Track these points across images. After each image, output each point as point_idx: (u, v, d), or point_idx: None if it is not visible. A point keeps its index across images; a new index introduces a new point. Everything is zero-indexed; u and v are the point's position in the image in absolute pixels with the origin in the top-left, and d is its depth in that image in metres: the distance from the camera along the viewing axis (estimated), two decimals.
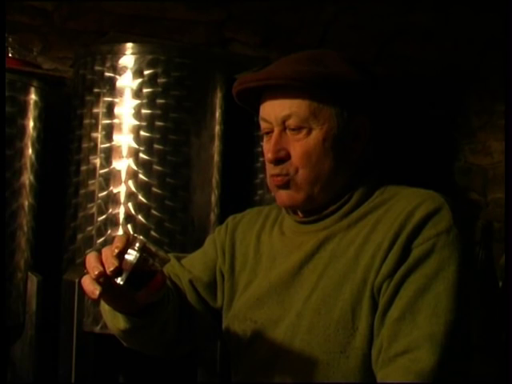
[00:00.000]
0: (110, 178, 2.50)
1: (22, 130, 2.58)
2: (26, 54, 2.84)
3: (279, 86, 1.33)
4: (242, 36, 3.22)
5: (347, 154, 1.36)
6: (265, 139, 1.39)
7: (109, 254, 1.13)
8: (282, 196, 1.36)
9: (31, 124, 2.61)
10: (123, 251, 1.14)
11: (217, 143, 2.67)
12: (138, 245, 1.15)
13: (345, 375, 1.25)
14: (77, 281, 2.48)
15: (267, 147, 1.36)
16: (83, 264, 1.18)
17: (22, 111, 2.58)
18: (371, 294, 1.25)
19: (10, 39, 2.78)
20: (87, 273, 1.15)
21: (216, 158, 2.66)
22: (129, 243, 1.14)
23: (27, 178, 2.59)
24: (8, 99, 2.52)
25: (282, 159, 1.33)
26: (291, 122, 1.32)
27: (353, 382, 1.26)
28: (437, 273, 1.23)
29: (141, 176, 2.48)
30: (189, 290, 1.48)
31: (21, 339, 2.57)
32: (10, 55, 2.74)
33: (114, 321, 1.32)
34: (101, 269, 1.13)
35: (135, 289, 1.17)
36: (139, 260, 1.14)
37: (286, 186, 1.34)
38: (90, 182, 2.54)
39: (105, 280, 1.14)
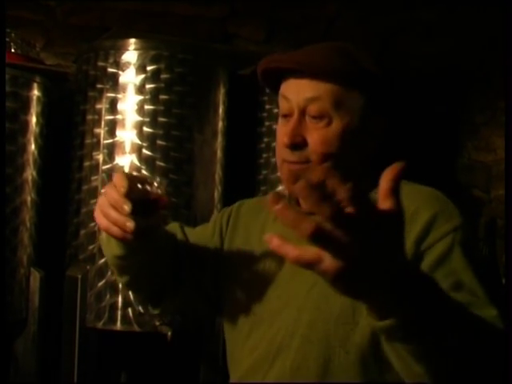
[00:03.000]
0: (113, 174, 2.49)
1: (25, 125, 2.57)
2: (29, 49, 2.83)
3: (308, 71, 1.31)
4: (245, 32, 3.21)
5: (361, 150, 1.35)
6: (280, 121, 1.37)
7: (117, 197, 1.20)
8: (292, 187, 1.34)
9: (34, 120, 2.60)
10: (128, 191, 1.20)
11: (220, 139, 2.66)
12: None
13: (345, 370, 1.25)
14: (80, 276, 2.48)
15: (283, 130, 1.34)
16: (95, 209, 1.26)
17: (25, 107, 2.57)
18: None
19: (13, 35, 2.77)
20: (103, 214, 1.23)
21: (219, 154, 2.65)
22: (129, 181, 1.22)
23: (30, 173, 2.59)
24: (11, 95, 2.52)
25: (297, 145, 1.31)
26: (313, 108, 1.31)
27: (354, 382, 1.25)
28: (465, 265, 1.21)
29: (144, 172, 2.47)
30: (182, 251, 1.49)
31: (23, 335, 2.57)
32: (12, 51, 2.73)
33: (109, 247, 1.36)
34: (117, 213, 1.20)
35: (144, 216, 1.23)
36: (141, 191, 1.23)
37: (299, 174, 1.32)
38: (93, 177, 2.54)
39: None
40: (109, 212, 1.22)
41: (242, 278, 1.44)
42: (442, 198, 1.29)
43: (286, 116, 1.35)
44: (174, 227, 1.54)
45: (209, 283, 1.49)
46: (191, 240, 1.52)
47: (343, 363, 1.25)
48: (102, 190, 1.24)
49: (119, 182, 1.21)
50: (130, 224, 1.20)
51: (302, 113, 1.32)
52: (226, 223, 1.52)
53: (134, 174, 1.26)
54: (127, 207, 1.19)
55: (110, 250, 1.36)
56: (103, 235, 1.36)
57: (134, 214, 1.20)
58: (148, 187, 1.23)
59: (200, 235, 1.53)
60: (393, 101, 1.41)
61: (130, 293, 1.50)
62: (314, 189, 0.82)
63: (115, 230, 1.22)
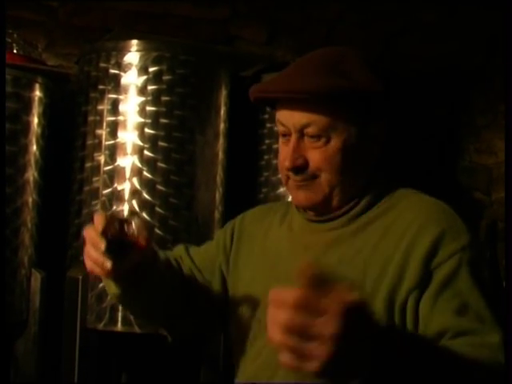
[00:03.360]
0: (115, 175, 2.50)
1: (27, 126, 2.57)
2: (31, 50, 2.83)
3: (300, 98, 1.32)
4: (247, 33, 3.21)
5: (365, 158, 1.36)
6: (281, 140, 1.38)
7: (93, 235, 1.26)
8: (300, 196, 1.36)
9: (36, 120, 2.60)
10: (104, 230, 1.25)
11: (221, 141, 2.66)
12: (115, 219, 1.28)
13: None
14: (80, 277, 2.48)
15: (284, 152, 1.35)
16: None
17: (27, 107, 2.57)
18: (383, 306, 1.23)
19: (15, 35, 2.77)
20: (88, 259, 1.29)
21: (221, 155, 2.65)
22: (107, 221, 1.26)
23: (31, 174, 2.59)
24: (13, 95, 2.52)
25: (299, 167, 1.32)
26: (310, 130, 1.31)
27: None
28: (472, 285, 1.22)
29: (145, 173, 2.47)
30: (189, 277, 1.51)
31: (24, 336, 2.56)
32: (14, 51, 2.73)
33: (108, 286, 1.42)
34: (94, 251, 1.27)
35: (120, 256, 1.28)
36: (116, 232, 1.26)
37: (306, 187, 1.34)
38: (95, 179, 2.54)
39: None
40: (89, 251, 1.28)
41: (246, 286, 1.44)
42: (449, 213, 1.30)
43: (285, 135, 1.36)
44: (179, 251, 1.57)
45: (218, 300, 1.50)
46: (197, 261, 1.53)
47: None
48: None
49: (97, 222, 1.26)
50: (107, 263, 1.26)
51: (300, 135, 1.33)
52: (230, 239, 1.53)
53: (115, 215, 1.34)
54: (102, 245, 1.24)
55: (109, 288, 1.42)
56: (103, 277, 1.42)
57: (112, 252, 1.25)
58: (126, 228, 1.27)
59: (205, 255, 1.55)
60: (390, 106, 1.40)
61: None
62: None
63: (97, 269, 1.29)
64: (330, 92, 1.29)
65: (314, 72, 1.33)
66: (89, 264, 1.30)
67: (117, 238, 1.26)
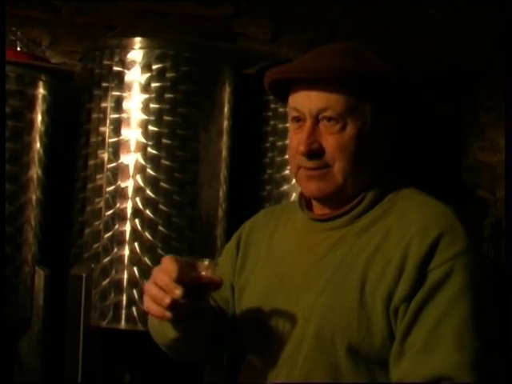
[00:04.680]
0: (118, 172, 2.50)
1: (30, 123, 2.57)
2: (35, 47, 2.84)
3: (318, 78, 1.31)
4: (251, 31, 3.21)
5: (376, 151, 1.36)
6: (293, 127, 1.37)
7: (168, 281, 1.21)
8: (312, 187, 1.34)
9: (39, 118, 2.60)
10: (179, 276, 1.20)
11: (225, 138, 2.66)
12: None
13: (354, 380, 1.25)
14: (84, 275, 2.48)
15: (297, 138, 1.34)
16: (143, 292, 1.28)
17: (31, 105, 2.57)
18: (382, 309, 1.23)
19: (19, 33, 2.78)
20: (151, 300, 1.24)
21: (224, 153, 2.65)
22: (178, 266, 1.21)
23: (35, 172, 2.59)
24: (16, 93, 2.52)
25: (314, 152, 1.31)
26: (327, 114, 1.31)
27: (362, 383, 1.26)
28: (458, 295, 1.21)
29: (149, 171, 2.47)
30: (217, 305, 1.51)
31: (28, 334, 2.56)
32: (18, 49, 2.74)
33: (163, 332, 1.36)
34: (169, 298, 1.20)
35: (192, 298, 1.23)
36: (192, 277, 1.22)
37: (318, 177, 1.33)
38: (98, 176, 2.54)
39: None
40: (161, 297, 1.21)
41: (251, 288, 1.44)
42: (450, 216, 1.28)
43: (298, 120, 1.35)
44: None
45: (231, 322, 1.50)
46: None
47: (351, 374, 1.25)
48: (151, 279, 1.27)
49: (169, 267, 1.21)
50: (168, 314, 1.22)
51: (316, 119, 1.32)
52: (235, 249, 1.53)
53: (182, 258, 1.25)
54: (179, 292, 1.19)
55: (164, 333, 1.37)
56: (154, 321, 1.39)
57: (186, 297, 1.20)
58: (199, 270, 1.23)
59: (218, 272, 1.54)
60: (403, 100, 1.41)
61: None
62: None
63: (168, 314, 1.22)
64: (350, 73, 1.29)
65: (332, 56, 1.34)
66: (155, 309, 1.23)
67: (192, 282, 1.22)
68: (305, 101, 1.33)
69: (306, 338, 1.29)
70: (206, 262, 1.24)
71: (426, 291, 1.22)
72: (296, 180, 1.40)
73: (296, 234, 1.43)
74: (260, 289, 1.41)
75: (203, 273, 1.23)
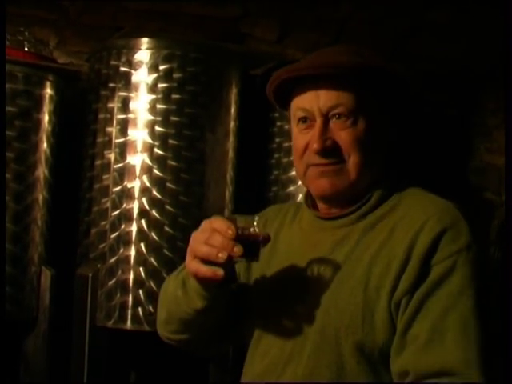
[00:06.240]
0: (125, 172, 2.50)
1: (37, 124, 2.58)
2: (42, 48, 2.84)
3: (324, 76, 1.32)
4: (257, 32, 3.21)
5: (384, 147, 1.37)
6: (299, 128, 1.37)
7: (224, 240, 1.20)
8: (325, 184, 1.34)
9: (46, 118, 2.61)
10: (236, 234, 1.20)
11: (232, 139, 2.66)
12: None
13: (357, 378, 1.25)
14: (90, 275, 2.49)
15: (305, 138, 1.35)
16: (189, 251, 1.27)
17: (38, 105, 2.58)
18: (387, 304, 1.24)
19: (26, 33, 2.78)
20: (196, 257, 1.23)
21: (231, 153, 2.65)
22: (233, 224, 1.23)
23: (42, 172, 2.59)
24: (23, 93, 2.52)
25: (328, 149, 1.32)
26: (338, 111, 1.32)
27: (364, 383, 1.25)
28: (461, 290, 1.21)
29: (155, 171, 2.47)
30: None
31: (34, 333, 2.57)
32: (25, 49, 2.74)
33: (188, 302, 1.34)
34: (226, 254, 1.20)
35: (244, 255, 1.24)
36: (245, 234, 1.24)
37: (332, 172, 1.33)
38: (105, 176, 2.54)
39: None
40: (213, 253, 1.21)
41: (256, 286, 1.44)
42: (453, 213, 1.29)
43: (305, 121, 1.35)
44: None
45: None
46: None
47: (355, 371, 1.25)
48: (194, 235, 1.27)
49: (222, 227, 1.21)
50: (220, 272, 1.22)
51: (325, 118, 1.32)
52: None
53: (228, 218, 1.27)
54: (237, 249, 1.19)
55: (189, 304, 1.34)
56: (178, 292, 1.36)
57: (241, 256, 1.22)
58: (251, 229, 1.25)
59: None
60: (407, 99, 1.41)
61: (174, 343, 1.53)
62: None
63: (220, 272, 1.22)
64: (359, 68, 1.31)
65: (338, 54, 1.36)
66: (203, 269, 1.23)
67: (246, 240, 1.23)
68: (313, 100, 1.33)
69: (311, 335, 1.29)
70: (254, 220, 1.26)
71: (428, 285, 1.22)
72: (304, 180, 1.40)
73: (302, 231, 1.43)
74: (265, 285, 1.42)
75: (252, 230, 1.24)
